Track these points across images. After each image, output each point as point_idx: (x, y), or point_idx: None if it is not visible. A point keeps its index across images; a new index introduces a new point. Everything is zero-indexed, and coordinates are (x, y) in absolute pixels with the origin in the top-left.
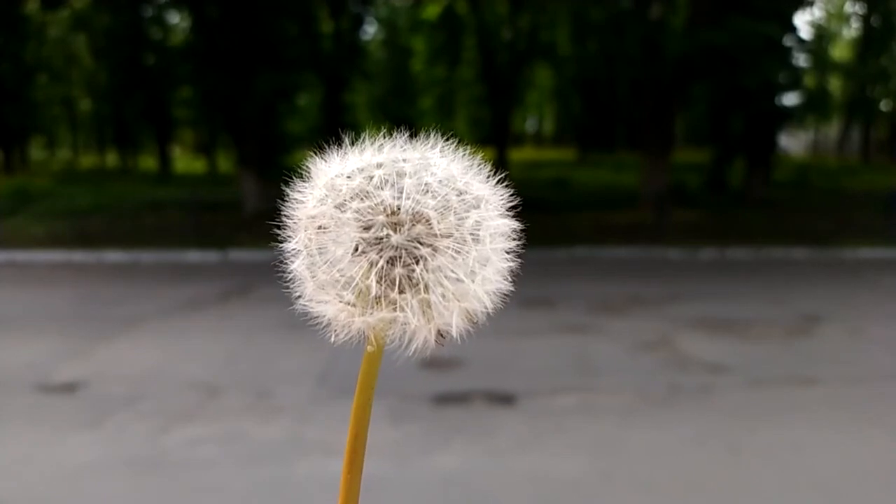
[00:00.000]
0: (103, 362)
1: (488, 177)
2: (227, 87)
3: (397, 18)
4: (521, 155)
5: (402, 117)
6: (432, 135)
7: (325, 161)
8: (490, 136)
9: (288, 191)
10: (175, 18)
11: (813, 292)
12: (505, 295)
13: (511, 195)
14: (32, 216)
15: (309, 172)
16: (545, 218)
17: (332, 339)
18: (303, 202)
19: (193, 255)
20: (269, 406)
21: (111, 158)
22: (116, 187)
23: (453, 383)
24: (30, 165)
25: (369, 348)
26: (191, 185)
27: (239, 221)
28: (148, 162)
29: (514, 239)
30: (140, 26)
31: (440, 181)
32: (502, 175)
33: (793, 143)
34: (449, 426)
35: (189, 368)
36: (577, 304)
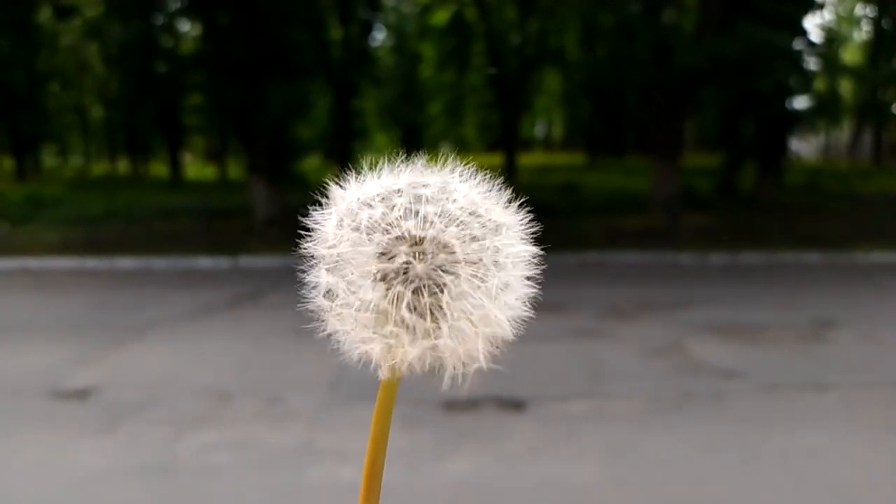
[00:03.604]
0: (116, 368)
1: (507, 202)
2: (238, 95)
3: (406, 24)
4: (530, 160)
5: (412, 123)
6: (448, 158)
7: (343, 188)
8: (499, 141)
9: (304, 218)
10: (186, 27)
11: (826, 297)
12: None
13: (521, 199)
14: (45, 223)
15: (327, 200)
16: (555, 223)
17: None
18: (322, 233)
19: (204, 262)
20: (281, 412)
21: (123, 165)
22: (128, 194)
23: (463, 389)
24: (42, 172)
25: (386, 376)
26: (202, 192)
27: (250, 228)
28: (159, 169)
29: (535, 265)
30: (151, 34)
31: (461, 208)
32: (520, 199)
33: (804, 146)
34: (459, 432)
35: (201, 374)
36: (588, 309)
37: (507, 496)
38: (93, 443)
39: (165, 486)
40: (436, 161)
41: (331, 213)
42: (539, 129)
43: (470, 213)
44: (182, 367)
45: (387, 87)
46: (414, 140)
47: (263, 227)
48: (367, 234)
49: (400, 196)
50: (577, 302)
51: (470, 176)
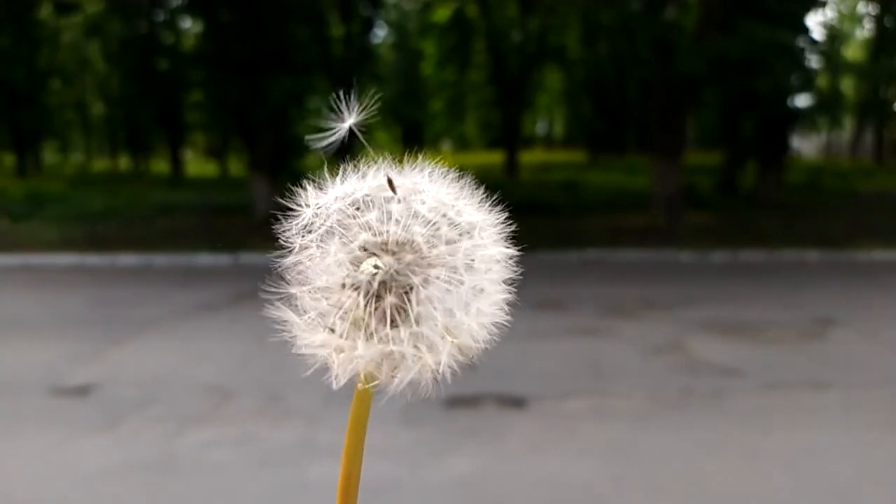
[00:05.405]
0: (116, 365)
1: (482, 202)
2: (239, 92)
3: (407, 22)
4: (531, 157)
5: (412, 120)
6: (421, 159)
7: (314, 189)
8: (500, 139)
9: (279, 227)
10: (187, 23)
11: (826, 295)
12: (514, 303)
13: (496, 198)
14: (46, 220)
15: (298, 202)
16: (556, 220)
17: (333, 383)
18: (291, 233)
19: (205, 259)
20: (282, 409)
21: (124, 162)
22: (129, 191)
23: (464, 386)
24: (43, 169)
25: (360, 386)
26: (202, 189)
27: (250, 224)
28: (160, 165)
29: (512, 269)
30: (152, 31)
31: (431, 208)
32: (498, 200)
33: (805, 144)
34: (460, 429)
35: (202, 371)
36: (589, 307)
37: (507, 494)
38: (93, 440)
39: (166, 483)
40: (416, 160)
41: (300, 214)
42: (540, 127)
43: (441, 214)
44: (182, 364)
45: (388, 85)
46: (415, 137)
47: (264, 223)
48: (334, 235)
49: (367, 196)
50: (577, 300)
51: (441, 176)
